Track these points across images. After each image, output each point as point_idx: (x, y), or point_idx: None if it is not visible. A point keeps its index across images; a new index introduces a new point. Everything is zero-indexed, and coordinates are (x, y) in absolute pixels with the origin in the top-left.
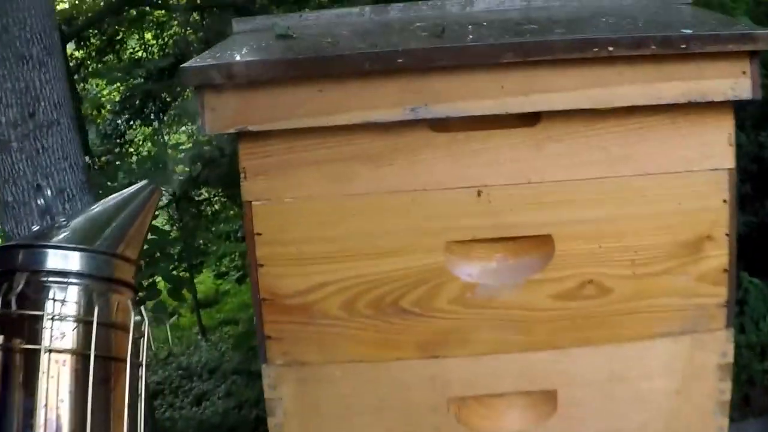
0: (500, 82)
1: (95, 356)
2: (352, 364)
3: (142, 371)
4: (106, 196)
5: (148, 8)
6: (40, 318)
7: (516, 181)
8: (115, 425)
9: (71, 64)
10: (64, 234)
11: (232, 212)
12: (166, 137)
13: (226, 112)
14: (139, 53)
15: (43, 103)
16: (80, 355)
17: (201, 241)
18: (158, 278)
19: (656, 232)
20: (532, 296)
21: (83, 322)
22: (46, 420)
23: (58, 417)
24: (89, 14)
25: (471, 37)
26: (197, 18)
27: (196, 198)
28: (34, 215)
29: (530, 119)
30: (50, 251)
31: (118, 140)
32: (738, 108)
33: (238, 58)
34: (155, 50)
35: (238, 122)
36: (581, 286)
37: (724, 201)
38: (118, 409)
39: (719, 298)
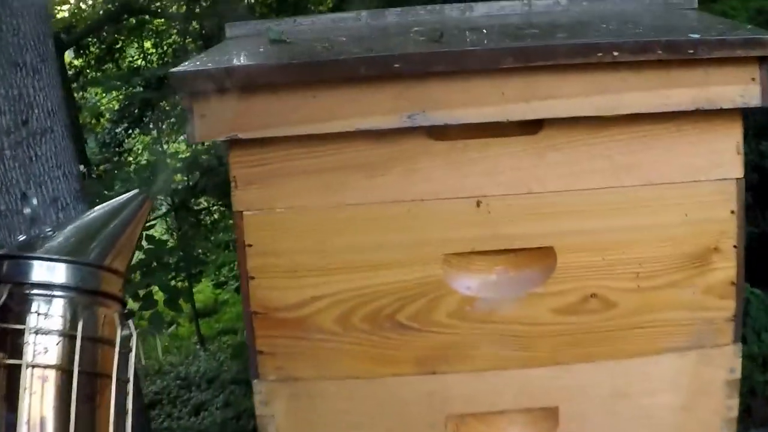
0: (500, 88)
1: (80, 372)
2: (347, 380)
3: (130, 387)
4: None
5: (147, 17)
6: (22, 332)
7: (516, 191)
8: None
9: (70, 72)
10: (50, 245)
11: (231, 221)
12: (165, 146)
13: (217, 118)
14: (138, 62)
15: (36, 111)
16: (64, 370)
17: (200, 251)
18: (155, 288)
19: (662, 244)
20: (533, 310)
21: (67, 336)
22: None
23: None
24: (88, 22)
25: (470, 41)
26: (197, 27)
27: (195, 207)
28: (22, 224)
29: (531, 127)
30: (35, 262)
31: (116, 149)
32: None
33: (229, 63)
34: (154, 59)
35: (228, 129)
36: (584, 300)
37: (732, 212)
38: (104, 426)
39: (727, 311)
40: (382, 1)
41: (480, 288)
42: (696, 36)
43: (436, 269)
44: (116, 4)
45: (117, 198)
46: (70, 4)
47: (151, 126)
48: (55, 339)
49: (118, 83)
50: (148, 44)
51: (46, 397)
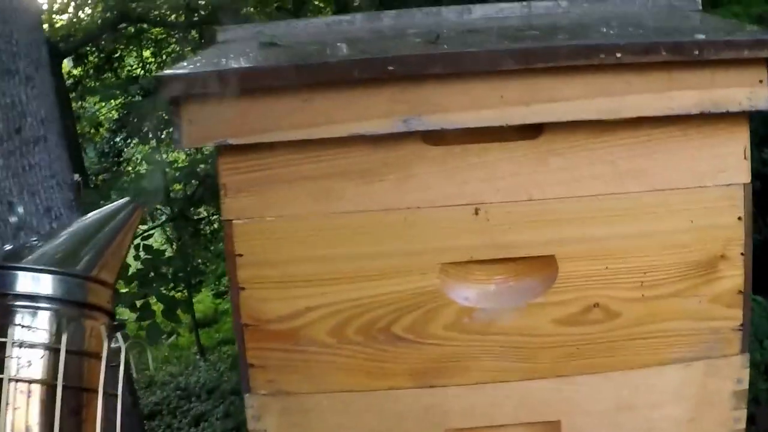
0: (499, 91)
1: (65, 386)
2: (341, 393)
3: (118, 401)
4: None
5: (145, 25)
6: (4, 345)
7: (516, 197)
8: None
9: (69, 81)
10: (36, 255)
11: None
12: (164, 155)
13: (205, 124)
14: (137, 71)
15: (29, 119)
16: (49, 385)
17: (199, 261)
18: (153, 299)
19: (667, 252)
20: (533, 321)
21: (52, 349)
22: None
23: None
24: (86, 30)
25: (468, 43)
26: (195, 36)
27: (194, 217)
28: (8, 234)
29: (532, 131)
30: (19, 273)
31: (115, 159)
32: None
33: (217, 66)
34: (153, 68)
35: (217, 135)
36: (586, 310)
37: (739, 218)
38: None
39: (734, 321)
40: (383, 6)
41: (478, 298)
42: (701, 37)
43: (432, 279)
44: (114, 12)
45: (107, 206)
46: (69, 13)
47: (150, 135)
48: (40, 352)
49: (116, 92)
50: (147, 53)
51: (31, 411)
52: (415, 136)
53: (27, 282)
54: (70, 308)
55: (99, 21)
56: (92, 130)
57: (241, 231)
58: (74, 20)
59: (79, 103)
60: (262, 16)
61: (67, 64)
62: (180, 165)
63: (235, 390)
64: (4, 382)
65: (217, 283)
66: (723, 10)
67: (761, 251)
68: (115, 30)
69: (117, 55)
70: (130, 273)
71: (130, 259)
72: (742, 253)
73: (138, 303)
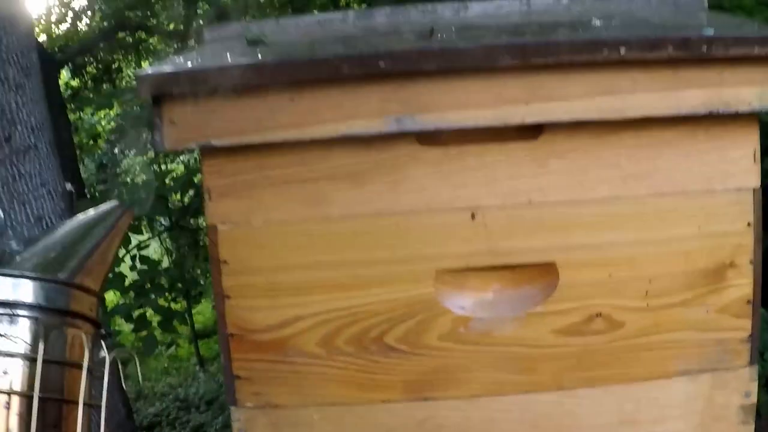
0: (497, 89)
1: (45, 398)
2: (331, 407)
3: (102, 413)
4: None
5: (144, 35)
6: None
7: (515, 201)
8: None
9: (67, 93)
10: (17, 260)
11: None
12: (163, 166)
13: (187, 124)
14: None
15: (19, 127)
16: (26, 396)
17: (198, 271)
18: (150, 309)
19: (673, 259)
20: (533, 331)
21: (31, 359)
22: None
23: None
24: (83, 40)
25: (464, 39)
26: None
27: (191, 227)
28: None
29: (531, 132)
30: None
31: (114, 169)
32: None
33: (200, 64)
34: None
35: (200, 136)
36: (589, 320)
37: (749, 224)
38: None
39: (742, 332)
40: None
41: (475, 307)
42: (710, 32)
43: (427, 287)
44: (112, 21)
45: (94, 209)
46: (67, 22)
47: (147, 146)
48: (18, 362)
49: (111, 101)
50: (145, 64)
51: (10, 423)
52: (409, 137)
53: (6, 288)
54: (51, 316)
55: (96, 30)
56: (90, 142)
57: (226, 237)
58: (72, 30)
59: (78, 114)
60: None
61: (65, 75)
62: (176, 175)
63: None
64: None
65: None
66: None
67: (763, 260)
68: (112, 39)
69: (116, 66)
70: (126, 284)
71: (125, 270)
72: (751, 261)
73: (134, 314)
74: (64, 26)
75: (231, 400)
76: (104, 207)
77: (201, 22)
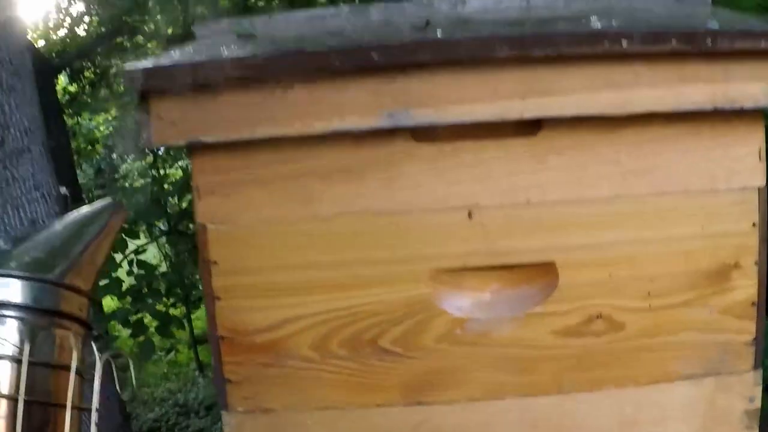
0: (494, 82)
1: (32, 401)
2: (324, 411)
3: (93, 417)
4: None
5: (141, 38)
6: None
7: (513, 199)
8: None
9: (65, 98)
10: (4, 259)
11: None
12: (161, 170)
13: (175, 120)
14: None
15: (12, 130)
16: (13, 399)
17: (197, 276)
18: (147, 314)
19: (675, 259)
20: (532, 332)
21: (18, 361)
22: None
23: None
24: (80, 45)
25: (460, 31)
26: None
27: (191, 231)
28: None
29: (529, 127)
30: None
31: (112, 174)
32: None
33: (187, 58)
34: None
35: (188, 133)
36: (589, 321)
37: (754, 224)
38: None
39: (746, 334)
40: None
41: (472, 308)
42: (715, 25)
43: (423, 288)
44: (109, 26)
45: (87, 207)
46: (65, 27)
47: (146, 151)
48: (6, 364)
49: (106, 104)
50: None
51: None
52: (403, 132)
53: None
54: (40, 317)
55: (94, 35)
56: (88, 147)
57: (216, 236)
58: (70, 35)
59: (75, 119)
60: None
61: (63, 80)
62: (174, 180)
63: None
64: None
65: None
66: None
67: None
68: (110, 43)
69: (114, 70)
70: (123, 289)
71: (122, 275)
72: (756, 262)
73: (131, 319)
74: (62, 32)
75: (222, 405)
76: (96, 205)
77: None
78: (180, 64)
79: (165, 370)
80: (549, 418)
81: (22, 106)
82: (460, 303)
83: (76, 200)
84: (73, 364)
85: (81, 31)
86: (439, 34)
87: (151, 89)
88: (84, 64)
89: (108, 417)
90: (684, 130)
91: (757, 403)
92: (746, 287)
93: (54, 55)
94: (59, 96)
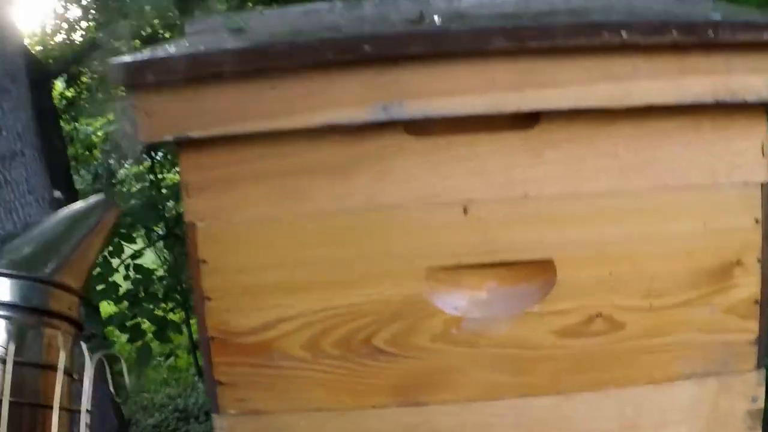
0: (490, 74)
1: (20, 402)
2: (318, 412)
3: (82, 418)
4: None
5: (139, 43)
6: None
7: (509, 194)
8: None
9: (62, 103)
10: None
11: None
12: (159, 175)
13: (163, 115)
14: None
15: (4, 133)
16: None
17: None
18: (144, 319)
19: (676, 256)
20: (529, 332)
21: (3, 361)
22: None
23: None
24: (75, 49)
25: (455, 23)
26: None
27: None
28: None
29: (526, 120)
30: None
31: (110, 180)
32: None
33: (175, 52)
34: None
35: (176, 128)
36: (588, 320)
37: (756, 220)
38: None
39: (749, 334)
40: None
41: (468, 307)
42: (716, 16)
43: (417, 286)
44: (105, 31)
45: (78, 204)
46: (62, 32)
47: (144, 156)
48: None
49: (105, 108)
50: None
51: None
52: (396, 126)
53: None
54: (28, 315)
55: (91, 41)
56: (86, 152)
57: (205, 235)
58: (67, 41)
59: (73, 125)
60: None
61: (59, 85)
62: (172, 183)
63: None
64: None
65: None
66: None
67: None
68: (106, 48)
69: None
70: (120, 293)
71: (119, 279)
72: (759, 260)
73: (128, 323)
74: (58, 37)
75: (213, 407)
76: (88, 202)
77: None
78: (166, 58)
79: (165, 376)
80: (548, 419)
81: (15, 110)
82: (456, 301)
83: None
84: (61, 364)
85: (78, 37)
86: (432, 26)
87: (137, 84)
88: (81, 69)
89: (103, 421)
90: (684, 123)
91: (760, 404)
92: (749, 285)
93: (50, 60)
94: (56, 101)
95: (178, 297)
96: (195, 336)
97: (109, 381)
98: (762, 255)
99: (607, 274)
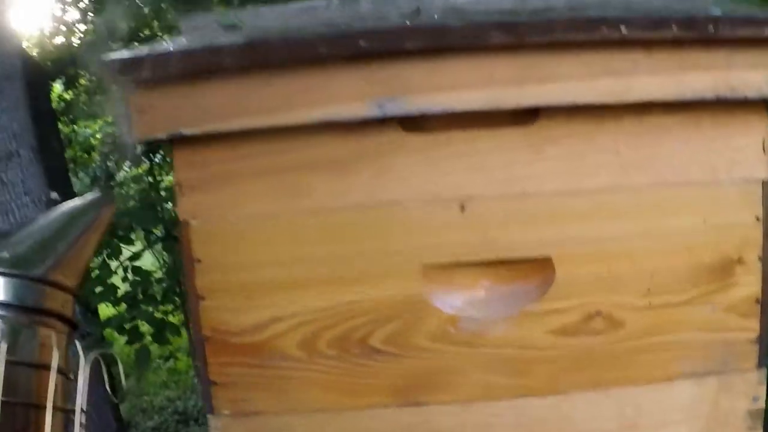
0: (488, 70)
1: (9, 402)
2: (315, 413)
3: (77, 418)
4: None
5: (137, 44)
6: None
7: (508, 191)
8: None
9: (60, 105)
10: None
11: None
12: (157, 177)
13: (157, 113)
14: None
15: (0, 134)
16: None
17: None
18: (143, 321)
19: (676, 254)
20: (528, 331)
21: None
22: None
23: None
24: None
25: (453, 18)
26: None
27: None
28: None
29: (525, 116)
30: None
31: (108, 182)
32: None
33: (168, 48)
34: None
35: (169, 125)
36: (587, 319)
37: (757, 218)
38: None
39: (750, 332)
40: None
41: (466, 306)
42: (717, 11)
43: (414, 284)
44: (103, 32)
45: (73, 201)
46: (60, 34)
47: (142, 158)
48: None
49: (102, 109)
50: None
51: None
52: (392, 122)
53: None
54: (21, 314)
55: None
56: (84, 155)
57: (199, 233)
58: (65, 43)
59: (71, 127)
60: None
61: (58, 88)
62: (170, 185)
63: None
64: None
65: None
66: None
67: None
68: (104, 49)
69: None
70: (118, 295)
71: (117, 281)
72: (760, 258)
73: (126, 326)
74: (57, 40)
75: (208, 408)
76: (85, 199)
77: None
78: (159, 53)
79: (164, 378)
80: (547, 419)
81: (10, 110)
82: (453, 300)
83: None
84: (54, 363)
85: (76, 39)
86: (429, 21)
87: (130, 81)
88: (79, 72)
89: (102, 423)
90: (684, 119)
91: (761, 403)
92: (750, 283)
93: (49, 62)
94: (54, 104)
95: (176, 299)
96: None
97: (105, 381)
98: (763, 253)
99: (607, 271)
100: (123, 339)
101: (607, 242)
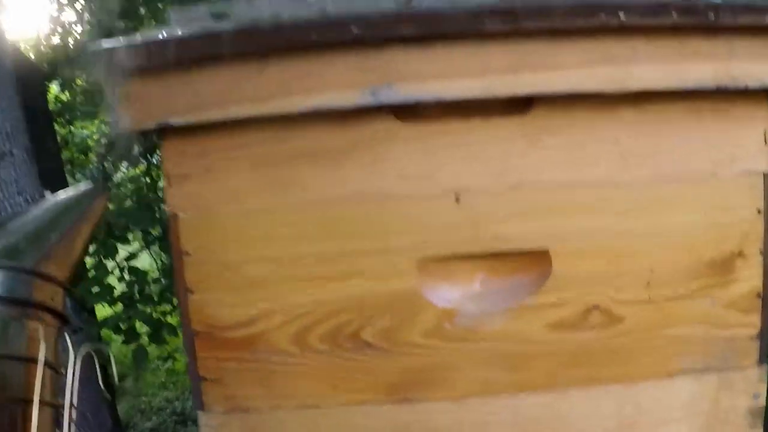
0: (483, 57)
1: None
2: (307, 409)
3: (66, 413)
4: None
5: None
6: None
7: (503, 183)
8: None
9: (57, 106)
10: None
11: None
12: (153, 176)
13: (145, 102)
14: None
15: None
16: None
17: None
18: (139, 321)
19: (677, 248)
20: (525, 326)
21: None
22: None
23: None
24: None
25: (447, 5)
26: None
27: None
28: None
29: (521, 105)
30: None
31: (106, 183)
32: None
33: (156, 36)
34: None
35: (157, 115)
36: (585, 313)
37: (759, 211)
38: None
39: (751, 328)
40: None
41: (461, 300)
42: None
43: (408, 278)
44: (100, 32)
45: (65, 192)
46: (57, 35)
47: (140, 159)
48: None
49: (98, 108)
50: None
51: None
52: (385, 111)
53: None
54: (8, 307)
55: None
56: (81, 156)
57: (188, 226)
58: (62, 44)
59: (68, 128)
60: None
61: (54, 89)
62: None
63: None
64: None
65: None
66: None
67: None
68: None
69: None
70: (114, 295)
71: (113, 281)
72: (761, 251)
73: (123, 326)
74: (54, 40)
75: (198, 405)
76: (78, 190)
77: None
78: (147, 42)
79: (162, 379)
80: (544, 416)
81: (3, 111)
82: (448, 294)
83: None
84: (41, 355)
85: (72, 40)
86: (424, 7)
87: (117, 70)
88: (75, 72)
89: (96, 422)
90: (685, 110)
91: (762, 401)
92: (751, 278)
93: (45, 63)
94: (51, 105)
95: (173, 299)
96: None
97: (99, 377)
98: (764, 246)
99: (605, 264)
100: (120, 339)
101: (605, 234)
